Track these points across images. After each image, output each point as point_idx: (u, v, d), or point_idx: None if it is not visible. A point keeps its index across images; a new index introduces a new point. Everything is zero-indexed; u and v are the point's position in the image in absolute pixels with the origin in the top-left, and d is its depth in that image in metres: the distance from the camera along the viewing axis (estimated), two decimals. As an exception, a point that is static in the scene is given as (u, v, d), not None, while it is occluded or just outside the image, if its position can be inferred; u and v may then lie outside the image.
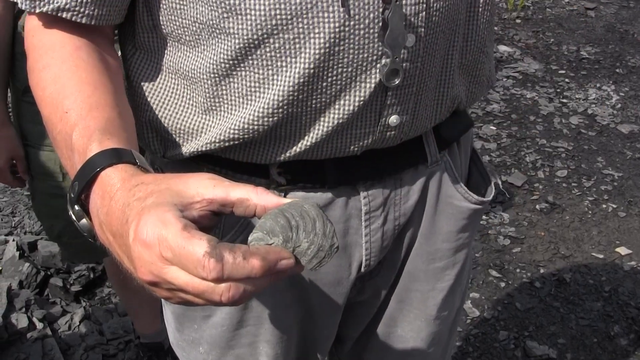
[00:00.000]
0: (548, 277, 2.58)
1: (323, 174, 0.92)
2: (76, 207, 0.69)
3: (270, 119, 0.83)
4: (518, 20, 4.59)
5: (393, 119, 0.88)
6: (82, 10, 0.79)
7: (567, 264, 2.65)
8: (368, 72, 0.82)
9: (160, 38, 0.86)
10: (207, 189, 0.63)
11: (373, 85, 0.83)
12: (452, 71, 0.91)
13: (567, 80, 3.93)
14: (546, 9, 4.77)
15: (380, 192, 0.96)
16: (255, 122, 0.84)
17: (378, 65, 0.81)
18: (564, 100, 3.72)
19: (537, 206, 2.95)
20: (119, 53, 0.91)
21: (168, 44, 0.86)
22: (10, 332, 2.01)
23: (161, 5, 0.82)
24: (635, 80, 3.93)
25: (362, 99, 0.84)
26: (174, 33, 0.83)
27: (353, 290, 1.04)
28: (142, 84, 0.89)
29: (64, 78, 0.77)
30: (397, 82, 0.82)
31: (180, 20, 0.82)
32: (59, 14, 0.78)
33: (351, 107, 0.84)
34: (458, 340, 2.31)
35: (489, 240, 2.75)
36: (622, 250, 2.71)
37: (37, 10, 0.78)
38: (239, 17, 0.76)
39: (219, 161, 0.92)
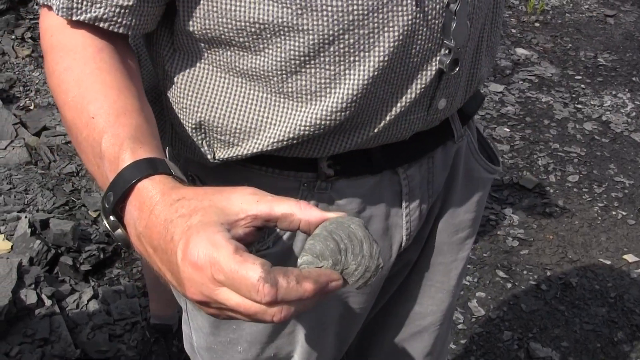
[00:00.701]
0: (554, 280, 2.59)
1: (370, 161, 0.93)
2: (111, 218, 0.69)
3: (342, 114, 0.83)
4: (537, 24, 4.58)
5: (442, 103, 0.90)
6: (119, 20, 0.77)
7: (574, 268, 2.65)
8: (429, 61, 0.84)
9: (203, 42, 0.82)
10: (251, 204, 0.63)
11: (433, 73, 0.85)
12: (481, 53, 0.95)
13: (582, 86, 3.92)
14: (565, 14, 4.75)
15: (417, 172, 0.98)
16: (328, 117, 0.83)
17: (438, 55, 0.84)
18: (579, 106, 3.72)
19: (547, 209, 2.95)
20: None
21: (214, 46, 0.82)
22: (19, 307, 2.03)
23: (207, 10, 0.78)
24: (652, 89, 3.92)
25: (423, 86, 0.86)
26: (223, 36, 0.80)
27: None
28: (188, 84, 0.86)
29: (88, 81, 0.75)
30: (457, 69, 0.85)
31: (233, 22, 0.78)
32: (96, 24, 0.77)
33: (413, 95, 0.86)
34: (462, 338, 2.32)
35: (497, 240, 2.76)
36: (630, 258, 2.71)
37: (74, 18, 0.76)
38: (315, 13, 0.75)
39: (267, 160, 0.90)
